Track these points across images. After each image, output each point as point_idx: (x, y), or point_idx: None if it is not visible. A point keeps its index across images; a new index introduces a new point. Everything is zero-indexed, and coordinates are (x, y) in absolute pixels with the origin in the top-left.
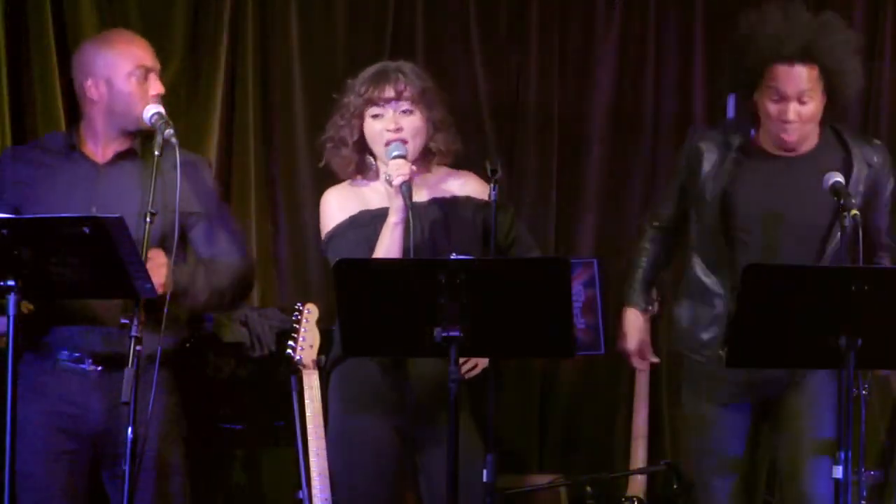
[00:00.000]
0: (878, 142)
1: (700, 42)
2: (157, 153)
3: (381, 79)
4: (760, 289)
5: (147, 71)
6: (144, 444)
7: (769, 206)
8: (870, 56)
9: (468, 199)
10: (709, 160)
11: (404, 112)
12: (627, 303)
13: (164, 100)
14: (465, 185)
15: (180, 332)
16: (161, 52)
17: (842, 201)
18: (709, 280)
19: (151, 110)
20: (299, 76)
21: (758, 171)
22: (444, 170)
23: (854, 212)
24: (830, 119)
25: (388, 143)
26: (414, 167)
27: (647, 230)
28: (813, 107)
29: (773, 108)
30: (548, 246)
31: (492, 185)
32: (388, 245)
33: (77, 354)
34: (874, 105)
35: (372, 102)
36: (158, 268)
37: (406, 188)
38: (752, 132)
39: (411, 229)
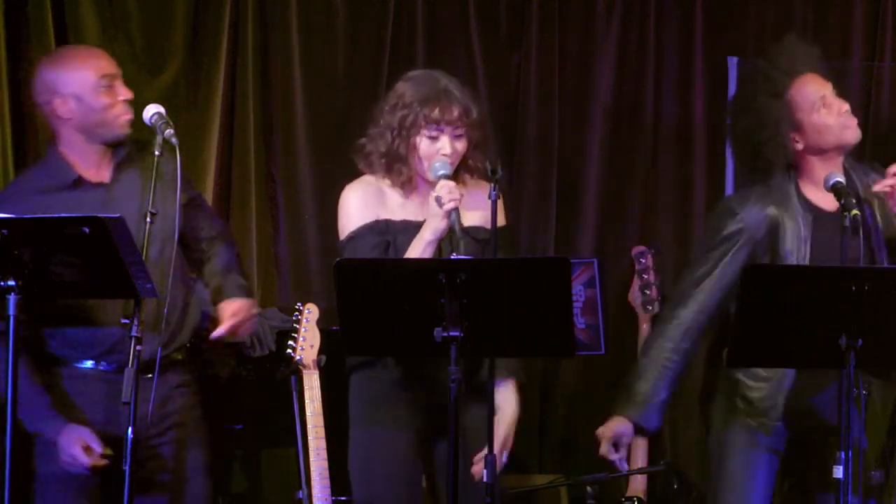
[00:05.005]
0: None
1: (700, 42)
2: (157, 153)
3: (444, 100)
4: (761, 289)
5: (112, 79)
6: (143, 447)
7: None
8: (870, 56)
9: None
10: (789, 229)
11: (457, 136)
12: (621, 411)
13: (164, 100)
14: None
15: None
16: (161, 52)
17: (842, 201)
18: None
19: (151, 110)
20: (299, 76)
21: (825, 231)
22: (471, 184)
23: (854, 212)
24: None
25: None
26: (462, 192)
27: (670, 327)
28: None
29: (828, 114)
30: (548, 246)
31: (492, 185)
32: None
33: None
34: (874, 105)
35: (433, 122)
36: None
37: (456, 215)
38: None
39: (458, 248)
